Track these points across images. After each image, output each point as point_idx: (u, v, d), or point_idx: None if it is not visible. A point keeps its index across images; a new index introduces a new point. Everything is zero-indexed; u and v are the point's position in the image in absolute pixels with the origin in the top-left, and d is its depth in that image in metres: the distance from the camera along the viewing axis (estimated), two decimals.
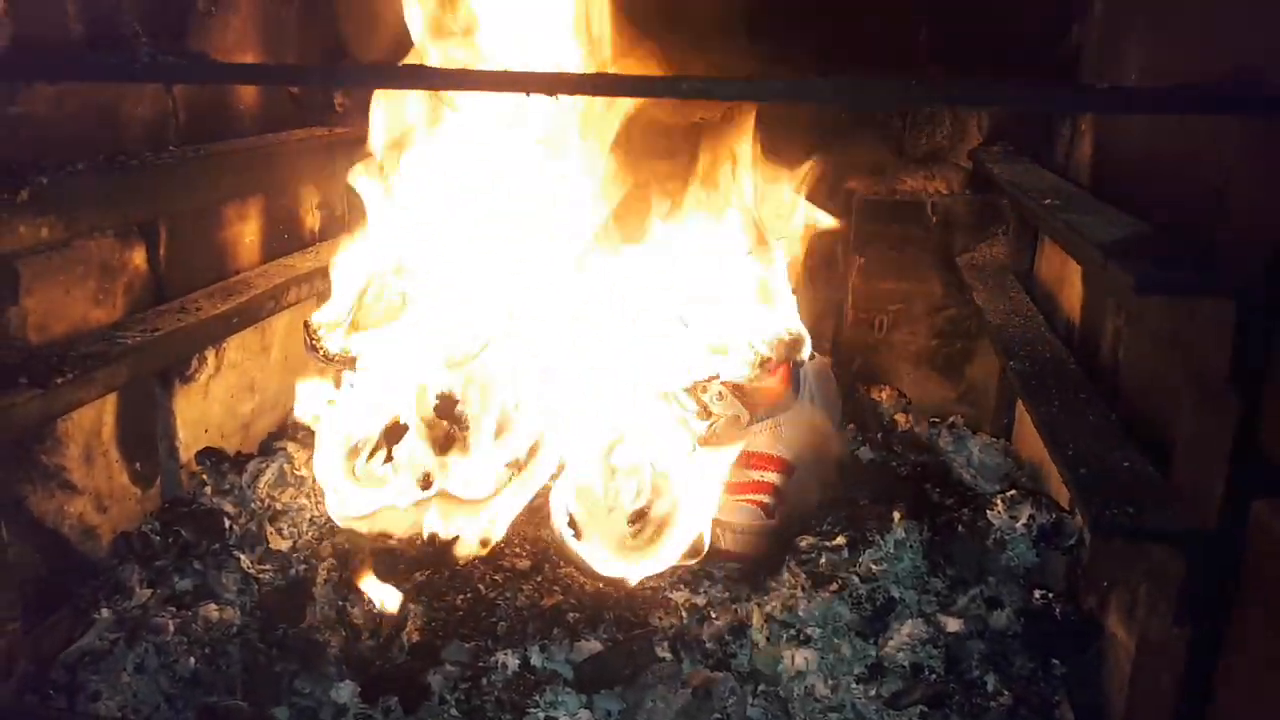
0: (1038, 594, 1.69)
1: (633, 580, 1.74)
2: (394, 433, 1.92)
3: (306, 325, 1.95)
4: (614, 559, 1.76)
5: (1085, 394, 1.63)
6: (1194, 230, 1.33)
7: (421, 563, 1.78)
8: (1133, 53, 1.82)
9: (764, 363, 1.89)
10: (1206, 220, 1.27)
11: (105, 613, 1.68)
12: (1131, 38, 1.83)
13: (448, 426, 1.88)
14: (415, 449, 1.83)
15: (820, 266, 2.52)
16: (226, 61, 2.08)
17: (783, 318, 1.93)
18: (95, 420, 1.79)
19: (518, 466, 1.87)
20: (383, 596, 1.70)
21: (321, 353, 1.93)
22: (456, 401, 1.88)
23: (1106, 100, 1.29)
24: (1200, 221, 1.31)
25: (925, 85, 1.19)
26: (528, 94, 1.15)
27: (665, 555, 1.76)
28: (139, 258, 1.90)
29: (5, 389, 1.46)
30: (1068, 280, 2.06)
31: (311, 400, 1.99)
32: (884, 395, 2.50)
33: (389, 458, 1.89)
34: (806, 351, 1.96)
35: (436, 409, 1.87)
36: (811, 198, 2.29)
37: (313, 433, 1.97)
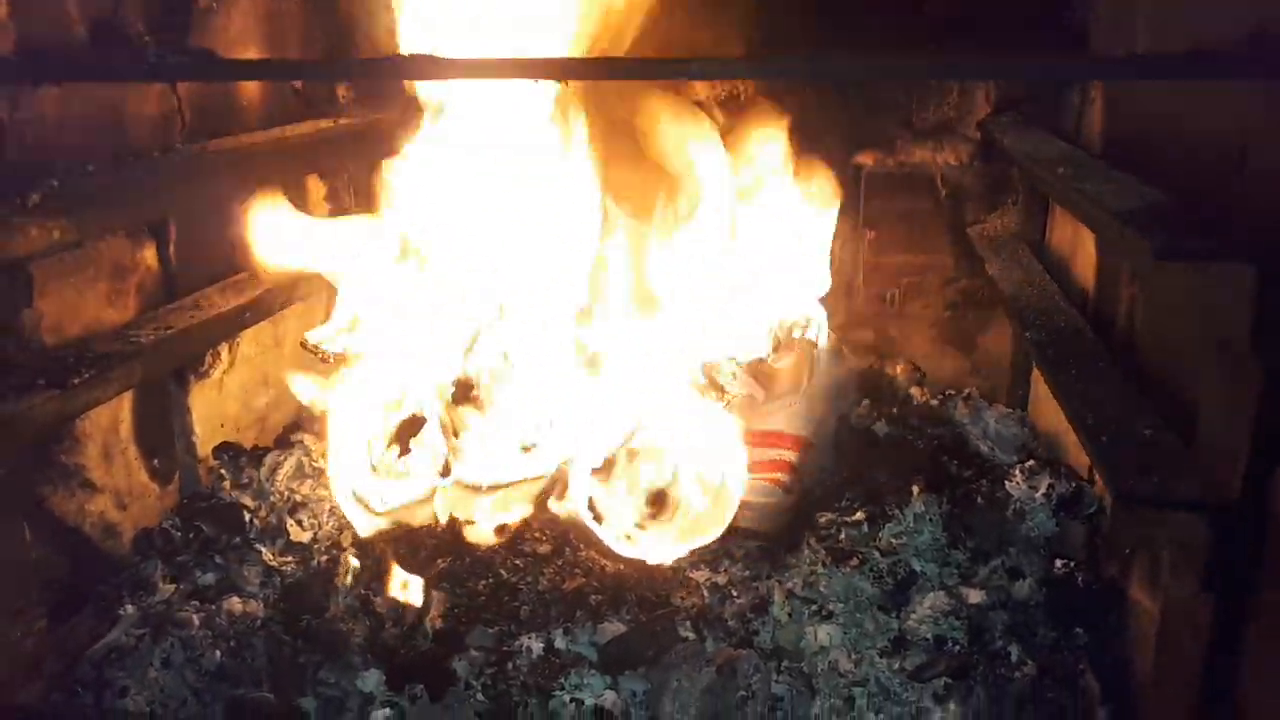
0: (1059, 563, 1.70)
1: (654, 561, 1.75)
2: (409, 425, 1.92)
3: (304, 344, 1.97)
4: (634, 540, 1.77)
5: (1103, 362, 1.63)
6: (1212, 194, 1.32)
7: (442, 550, 1.79)
8: (1142, 15, 1.79)
9: (781, 343, 1.89)
10: (1225, 184, 1.26)
11: (130, 609, 1.69)
12: (1137, 6, 1.80)
13: (465, 410, 1.89)
14: (433, 437, 1.83)
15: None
16: (229, 57, 2.08)
17: (800, 298, 1.93)
18: (112, 419, 1.79)
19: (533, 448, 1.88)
20: (408, 587, 1.71)
21: (328, 359, 1.95)
22: (473, 385, 1.88)
23: (1121, 68, 1.28)
24: (1219, 185, 1.30)
25: (940, 60, 1.18)
26: (536, 80, 1.15)
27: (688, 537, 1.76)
28: (150, 256, 1.90)
29: (23, 391, 1.47)
30: (1080, 248, 2.05)
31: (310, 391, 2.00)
32: (898, 369, 2.49)
33: (404, 450, 1.89)
34: (823, 332, 1.96)
35: (454, 394, 1.87)
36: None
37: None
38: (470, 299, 1.92)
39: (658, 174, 1.99)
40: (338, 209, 2.61)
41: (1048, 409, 2.17)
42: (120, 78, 1.64)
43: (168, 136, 1.96)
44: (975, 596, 1.67)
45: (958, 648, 1.60)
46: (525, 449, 1.87)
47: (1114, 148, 1.92)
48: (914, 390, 2.43)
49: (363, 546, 1.83)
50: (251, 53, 2.25)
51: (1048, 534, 1.79)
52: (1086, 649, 1.58)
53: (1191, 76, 1.20)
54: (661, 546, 1.78)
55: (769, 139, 2.09)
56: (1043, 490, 1.82)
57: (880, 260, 2.58)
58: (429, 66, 1.14)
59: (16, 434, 1.45)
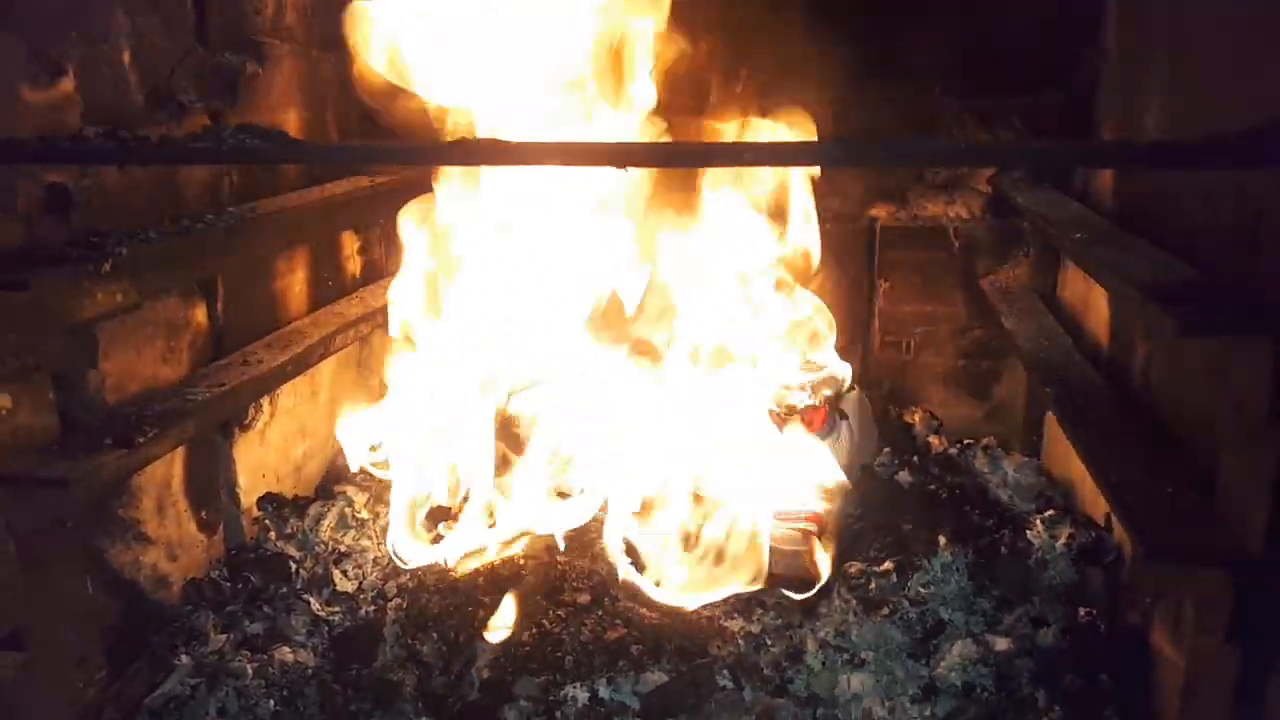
0: (1083, 611, 1.75)
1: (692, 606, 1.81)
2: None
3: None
4: (673, 588, 1.82)
5: (1120, 418, 1.69)
6: (1226, 257, 1.39)
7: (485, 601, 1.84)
8: (1153, 87, 1.87)
9: (809, 397, 1.96)
10: (1239, 246, 1.33)
11: (184, 659, 1.74)
12: (1150, 71, 1.88)
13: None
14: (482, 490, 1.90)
15: (847, 292, 2.60)
16: (273, 120, 2.16)
17: (826, 354, 2.00)
18: (166, 473, 1.86)
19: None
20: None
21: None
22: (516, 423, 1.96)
23: (1137, 156, 1.35)
24: (1233, 249, 1.37)
25: (969, 146, 1.26)
26: (597, 167, 1.22)
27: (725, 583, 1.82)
28: (200, 314, 1.97)
29: (92, 450, 1.53)
30: (1093, 303, 2.12)
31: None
32: (916, 418, 2.56)
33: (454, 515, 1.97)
34: (848, 382, 2.03)
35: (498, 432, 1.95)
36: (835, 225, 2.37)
37: (371, 476, 2.05)
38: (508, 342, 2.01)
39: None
40: (369, 261, 2.69)
41: (1061, 456, 2.24)
42: (201, 160, 1.71)
43: (217, 198, 2.04)
44: (1002, 644, 1.73)
45: (986, 694, 1.66)
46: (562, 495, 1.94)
47: (1126, 209, 1.99)
48: (932, 439, 2.50)
49: (409, 596, 1.88)
50: (292, 114, 2.33)
51: (1069, 582, 1.85)
52: (1112, 695, 1.64)
53: (1209, 166, 1.27)
54: (698, 592, 1.84)
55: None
56: (1063, 539, 1.88)
57: (895, 310, 2.66)
58: (491, 152, 1.21)
59: (86, 491, 1.51)
